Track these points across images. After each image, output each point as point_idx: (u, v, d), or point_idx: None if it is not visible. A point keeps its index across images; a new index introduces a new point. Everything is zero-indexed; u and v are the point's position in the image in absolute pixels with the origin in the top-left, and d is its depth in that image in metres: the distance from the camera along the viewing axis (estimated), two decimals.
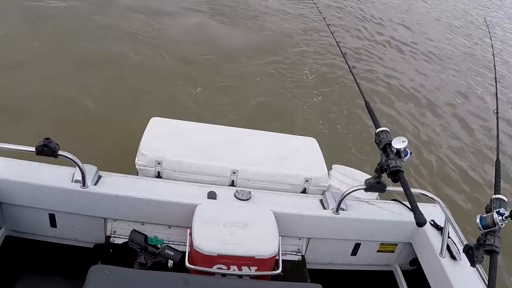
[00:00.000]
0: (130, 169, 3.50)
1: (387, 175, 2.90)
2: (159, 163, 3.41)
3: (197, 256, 2.80)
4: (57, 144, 2.86)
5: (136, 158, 3.47)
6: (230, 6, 12.82)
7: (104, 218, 3.22)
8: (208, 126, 3.91)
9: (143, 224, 3.22)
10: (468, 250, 2.71)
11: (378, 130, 3.06)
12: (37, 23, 9.50)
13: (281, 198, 3.37)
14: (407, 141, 2.91)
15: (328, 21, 4.22)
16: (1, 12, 9.69)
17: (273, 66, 10.29)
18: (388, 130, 3.04)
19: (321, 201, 3.44)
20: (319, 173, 3.60)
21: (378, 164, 2.99)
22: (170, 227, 3.23)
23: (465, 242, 3.10)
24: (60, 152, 2.87)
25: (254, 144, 3.84)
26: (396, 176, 2.83)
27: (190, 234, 2.93)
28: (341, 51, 3.77)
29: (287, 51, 11.30)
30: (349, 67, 3.67)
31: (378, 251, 3.56)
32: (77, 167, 2.99)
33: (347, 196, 3.27)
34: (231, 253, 2.78)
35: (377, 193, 3.70)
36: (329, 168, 3.80)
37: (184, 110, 7.49)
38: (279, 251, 2.91)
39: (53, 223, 3.23)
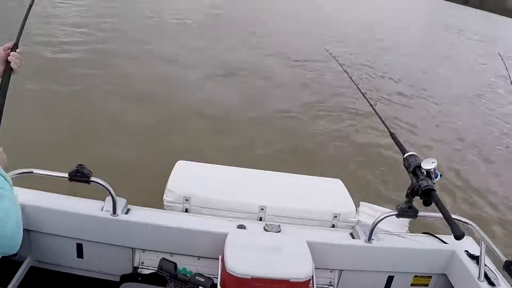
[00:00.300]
0: (158, 206, 3.48)
1: (419, 196, 2.83)
2: (187, 200, 3.41)
3: (230, 280, 2.74)
4: (89, 171, 2.88)
5: (164, 195, 3.48)
6: (244, 68, 14.27)
7: (132, 248, 3.19)
8: (233, 168, 3.94)
9: (171, 255, 3.18)
10: (508, 266, 2.67)
11: (406, 154, 3.04)
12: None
13: (311, 231, 3.31)
14: (436, 162, 2.88)
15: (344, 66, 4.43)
16: None
17: (289, 113, 11.24)
18: (415, 154, 3.03)
19: (351, 234, 3.38)
20: (348, 208, 3.58)
21: (409, 188, 2.95)
22: (199, 259, 3.19)
23: (504, 260, 2.93)
24: (92, 179, 2.89)
25: (280, 184, 3.86)
26: (429, 195, 2.78)
27: (222, 260, 2.87)
28: (360, 90, 3.87)
29: (302, 97, 12.70)
30: (370, 104, 3.72)
31: (412, 284, 3.45)
32: (109, 195, 3.01)
33: (378, 230, 3.24)
34: (265, 276, 2.72)
35: (407, 227, 3.66)
36: (357, 205, 3.77)
37: (209, 156, 7.76)
38: (313, 277, 2.84)
39: (80, 253, 3.20)
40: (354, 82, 4.00)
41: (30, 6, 2.58)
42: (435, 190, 2.79)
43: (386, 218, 3.56)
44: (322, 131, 10.69)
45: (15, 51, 2.21)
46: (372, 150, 10.01)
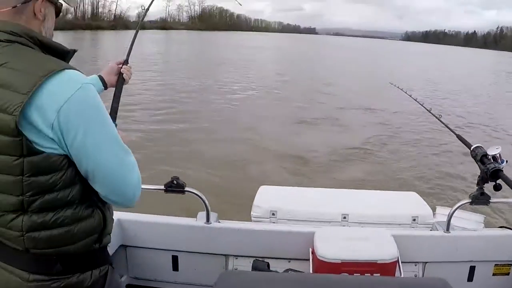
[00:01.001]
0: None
1: (489, 180, 3.02)
2: (273, 214, 3.63)
3: (321, 266, 2.94)
4: (184, 182, 3.12)
5: (252, 211, 3.71)
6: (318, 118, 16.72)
7: (225, 255, 3.37)
8: (313, 189, 4.16)
9: (263, 260, 3.25)
10: None
11: (472, 147, 3.23)
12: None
13: (393, 228, 3.46)
14: (500, 148, 3.08)
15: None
16: None
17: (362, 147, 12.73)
18: (481, 145, 3.21)
19: (430, 229, 3.53)
20: (425, 211, 3.72)
21: (478, 176, 3.13)
22: (289, 261, 3.34)
23: None
24: (187, 189, 3.12)
25: (359, 197, 4.08)
26: (497, 177, 2.95)
27: (313, 252, 3.08)
28: (424, 107, 4.08)
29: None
30: (435, 116, 3.89)
31: (493, 274, 3.48)
32: (203, 204, 3.22)
33: (455, 226, 3.39)
34: (354, 259, 2.91)
35: (483, 224, 3.78)
36: (433, 210, 3.92)
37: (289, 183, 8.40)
38: (399, 261, 3.01)
39: (175, 266, 3.38)
40: (418, 102, 4.18)
41: (137, 31, 2.99)
42: (502, 171, 2.96)
43: (461, 215, 3.72)
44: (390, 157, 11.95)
45: (126, 65, 2.60)
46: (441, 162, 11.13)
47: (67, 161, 1.68)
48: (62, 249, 1.75)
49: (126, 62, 2.63)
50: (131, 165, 1.80)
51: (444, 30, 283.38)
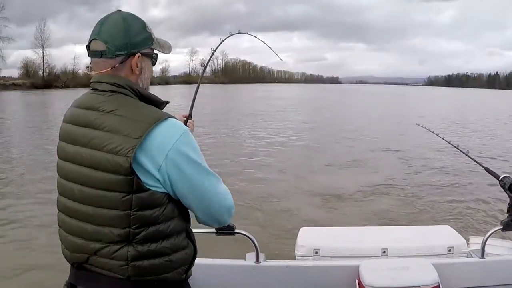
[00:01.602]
0: None
1: None
2: (316, 252, 3.75)
3: None
4: (233, 224, 3.23)
5: (295, 250, 3.85)
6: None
7: None
8: (353, 227, 4.33)
9: None
10: None
11: (500, 177, 3.43)
12: None
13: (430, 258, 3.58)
14: None
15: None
16: None
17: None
18: (509, 175, 3.42)
19: (466, 256, 3.67)
20: (459, 241, 3.84)
21: (508, 203, 3.33)
22: None
23: None
24: (237, 230, 3.28)
25: (396, 232, 4.26)
26: None
27: (359, 282, 3.25)
28: (452, 144, 4.27)
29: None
30: (463, 152, 4.04)
31: None
32: (252, 244, 3.37)
33: (488, 252, 3.52)
34: (399, 285, 3.08)
35: None
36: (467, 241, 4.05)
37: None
38: (440, 285, 3.14)
39: None
40: (445, 140, 4.37)
41: (198, 87, 3.26)
42: None
43: (494, 243, 3.86)
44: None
45: (190, 119, 2.88)
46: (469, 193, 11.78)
47: (168, 198, 1.94)
48: (160, 276, 1.97)
49: (190, 116, 2.91)
50: (225, 193, 2.09)
51: (467, 73, 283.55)
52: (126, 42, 1.99)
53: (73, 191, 1.98)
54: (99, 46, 2.00)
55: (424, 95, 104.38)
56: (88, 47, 2.05)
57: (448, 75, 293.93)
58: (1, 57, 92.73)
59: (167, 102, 2.09)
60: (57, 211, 2.12)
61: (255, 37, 3.65)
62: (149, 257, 1.92)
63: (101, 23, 2.02)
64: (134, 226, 1.88)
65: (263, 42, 3.68)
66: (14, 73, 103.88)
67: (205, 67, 3.41)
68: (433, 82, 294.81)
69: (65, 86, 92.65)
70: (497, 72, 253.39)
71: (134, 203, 1.86)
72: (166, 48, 2.23)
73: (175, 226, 1.98)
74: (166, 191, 1.92)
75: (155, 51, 2.16)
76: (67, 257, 2.10)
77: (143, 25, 2.07)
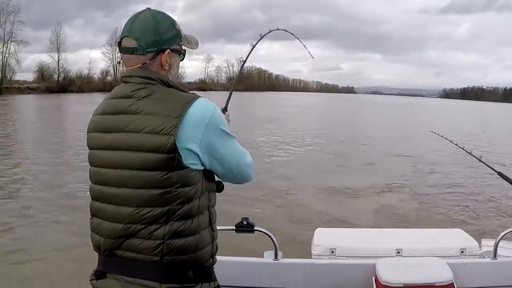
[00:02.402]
0: None
1: None
2: (332, 252, 3.85)
3: None
4: (253, 222, 3.36)
5: (312, 250, 3.96)
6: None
7: None
8: (367, 229, 4.41)
9: None
10: None
11: None
12: None
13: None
14: None
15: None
16: None
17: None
18: None
19: (479, 257, 3.75)
20: (472, 244, 3.94)
21: None
22: None
23: None
24: (256, 228, 3.36)
25: (410, 234, 4.37)
26: None
27: (375, 279, 3.33)
28: (465, 150, 4.36)
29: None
30: (476, 157, 4.17)
31: None
32: (271, 241, 3.45)
33: (500, 254, 3.58)
34: (415, 283, 3.17)
35: None
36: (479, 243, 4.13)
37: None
38: (454, 283, 3.22)
39: None
40: (459, 146, 4.46)
41: (233, 85, 3.53)
42: None
43: (507, 245, 3.90)
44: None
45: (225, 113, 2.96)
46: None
47: (202, 175, 2.05)
48: (192, 256, 2.05)
49: (226, 109, 2.99)
50: (244, 154, 2.25)
51: (482, 86, 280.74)
52: (156, 39, 2.09)
53: (110, 176, 2.06)
54: (130, 43, 2.10)
55: (439, 106, 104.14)
56: (119, 43, 2.15)
57: (464, 88, 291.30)
58: (16, 61, 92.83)
59: (193, 92, 2.19)
60: (91, 201, 2.20)
61: (291, 34, 3.81)
62: (183, 235, 2.00)
63: (132, 20, 2.12)
64: (174, 203, 1.97)
65: (298, 39, 3.78)
66: (29, 77, 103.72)
67: (244, 61, 3.47)
68: (448, 94, 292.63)
69: (80, 90, 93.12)
70: None
71: (174, 180, 1.96)
72: (194, 43, 2.33)
73: (203, 203, 2.08)
74: (201, 168, 2.05)
75: (183, 47, 2.26)
76: (99, 244, 2.14)
77: (172, 22, 2.17)
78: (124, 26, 2.15)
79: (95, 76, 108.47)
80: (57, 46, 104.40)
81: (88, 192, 2.21)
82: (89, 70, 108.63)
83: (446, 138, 4.68)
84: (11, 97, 71.23)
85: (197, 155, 2.01)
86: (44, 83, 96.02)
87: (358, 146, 23.83)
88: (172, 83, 2.14)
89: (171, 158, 1.94)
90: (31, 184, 13.52)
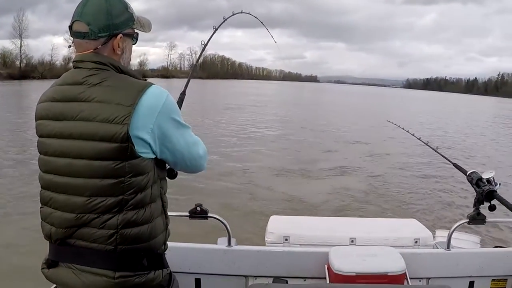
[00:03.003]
0: None
1: (484, 201, 3.31)
2: (286, 239, 3.86)
3: (337, 279, 3.19)
4: (207, 208, 3.34)
5: (265, 237, 3.95)
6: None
7: (245, 276, 3.55)
8: (321, 217, 4.41)
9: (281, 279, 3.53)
10: None
11: (468, 172, 3.53)
12: None
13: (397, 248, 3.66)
14: (494, 172, 3.38)
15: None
16: None
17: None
18: (476, 171, 3.51)
19: (432, 248, 3.80)
20: (425, 234, 3.97)
21: (475, 198, 3.40)
22: (305, 280, 3.53)
23: None
24: (210, 214, 3.35)
25: (364, 223, 4.40)
26: (492, 197, 3.25)
27: (328, 267, 3.34)
28: (420, 140, 4.38)
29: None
30: (431, 147, 4.18)
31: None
32: (225, 228, 3.43)
33: (454, 245, 3.62)
34: (367, 272, 3.17)
35: (479, 244, 4.04)
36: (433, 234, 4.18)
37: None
38: (406, 273, 3.24)
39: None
40: (415, 136, 4.46)
41: (192, 75, 3.45)
42: (496, 192, 3.26)
43: (460, 237, 3.96)
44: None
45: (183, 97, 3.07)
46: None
47: (154, 163, 2.03)
48: (145, 244, 2.04)
49: (184, 93, 3.09)
50: (198, 143, 2.23)
51: (445, 77, 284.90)
52: (108, 23, 2.03)
53: (61, 165, 2.02)
54: (81, 27, 2.03)
55: (401, 96, 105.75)
56: (70, 27, 2.08)
57: (427, 79, 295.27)
58: None
59: (145, 79, 2.13)
60: (40, 189, 2.15)
61: (255, 17, 3.79)
62: (136, 224, 1.99)
63: (84, 3, 2.05)
64: (127, 193, 1.95)
65: (261, 22, 3.83)
66: None
67: (206, 44, 3.45)
68: (411, 84, 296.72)
69: (42, 77, 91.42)
70: (475, 78, 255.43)
71: (127, 170, 1.94)
72: (147, 26, 2.28)
73: (155, 191, 2.07)
74: (153, 157, 2.03)
75: (136, 31, 2.21)
76: (50, 234, 2.10)
77: (124, 6, 2.11)
78: (76, 9, 2.07)
79: (57, 62, 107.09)
80: (20, 32, 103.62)
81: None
82: (52, 56, 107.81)
83: (402, 128, 4.71)
84: None
85: (149, 144, 1.98)
86: (6, 70, 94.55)
87: (316, 134, 24.11)
88: (124, 68, 2.10)
89: (124, 148, 1.91)
90: None
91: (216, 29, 3.46)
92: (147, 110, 1.94)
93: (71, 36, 2.09)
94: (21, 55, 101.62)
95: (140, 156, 1.95)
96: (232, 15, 3.53)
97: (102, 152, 1.92)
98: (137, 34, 2.22)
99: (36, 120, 2.15)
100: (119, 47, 2.09)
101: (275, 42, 4.10)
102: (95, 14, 2.02)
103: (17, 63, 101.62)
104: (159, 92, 2.02)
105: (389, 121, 5.23)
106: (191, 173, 2.35)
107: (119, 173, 1.93)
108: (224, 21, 3.49)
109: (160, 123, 1.98)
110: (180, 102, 2.97)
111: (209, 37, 3.47)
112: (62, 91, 2.05)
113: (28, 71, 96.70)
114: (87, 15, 2.02)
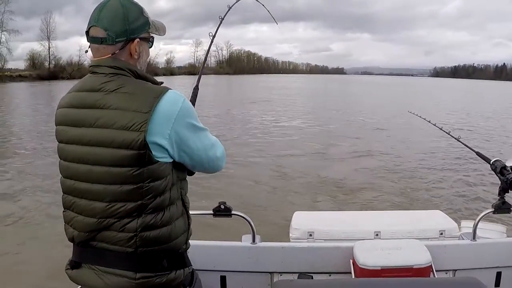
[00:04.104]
0: None
1: (509, 189, 3.32)
2: (310, 235, 3.85)
3: (362, 274, 3.20)
4: (230, 206, 3.36)
5: (290, 233, 3.95)
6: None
7: (271, 272, 3.57)
8: (345, 212, 4.40)
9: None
10: None
11: (492, 161, 3.52)
12: None
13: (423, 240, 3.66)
14: None
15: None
16: None
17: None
18: (500, 159, 3.50)
19: (457, 239, 3.76)
20: (451, 225, 3.94)
21: (499, 187, 3.40)
22: (330, 275, 3.54)
23: None
24: (234, 212, 3.36)
25: (388, 216, 4.38)
26: None
27: (353, 262, 3.35)
28: (442, 130, 4.35)
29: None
30: (453, 137, 4.15)
31: None
32: (248, 225, 3.45)
33: (479, 235, 3.59)
34: (393, 265, 3.17)
35: (505, 234, 4.00)
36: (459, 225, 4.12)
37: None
38: (432, 266, 3.24)
39: (223, 286, 3.57)
40: (437, 126, 4.41)
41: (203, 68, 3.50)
42: None
43: (486, 227, 3.90)
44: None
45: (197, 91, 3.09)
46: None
47: (172, 167, 2.06)
48: (165, 246, 2.07)
49: (197, 87, 3.12)
50: (216, 145, 2.24)
51: (473, 64, 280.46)
52: (125, 28, 2.06)
53: (81, 172, 2.05)
54: (98, 32, 2.06)
55: (429, 85, 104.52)
56: (87, 32, 2.11)
57: (454, 66, 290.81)
58: (7, 50, 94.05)
59: (162, 83, 2.16)
60: (62, 194, 2.20)
61: (257, 1, 3.78)
62: (155, 227, 2.03)
63: (100, 9, 2.08)
64: (146, 198, 1.99)
65: (263, 5, 3.81)
66: (21, 65, 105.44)
67: (213, 36, 3.42)
68: (439, 73, 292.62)
69: (71, 77, 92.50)
70: (504, 63, 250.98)
71: (146, 175, 1.96)
72: (162, 30, 2.30)
73: (174, 194, 2.10)
74: (170, 160, 2.05)
75: (151, 34, 2.24)
76: (73, 237, 2.16)
77: (140, 10, 2.14)
78: (92, 15, 2.10)
79: (85, 63, 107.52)
80: (47, 34, 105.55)
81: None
82: (80, 57, 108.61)
83: (424, 119, 4.67)
84: (3, 85, 71.74)
85: (167, 149, 2.01)
86: (35, 71, 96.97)
87: (340, 127, 24.13)
88: (141, 72, 2.12)
89: (142, 155, 1.94)
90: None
91: (223, 19, 3.48)
92: (164, 116, 1.97)
93: (88, 41, 2.12)
94: (49, 57, 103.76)
95: (158, 161, 1.98)
96: (236, 2, 3.55)
97: (120, 159, 1.95)
98: (153, 38, 2.25)
99: (56, 126, 2.19)
100: (136, 51, 2.11)
101: (277, 24, 4.22)
102: (112, 19, 2.05)
103: (46, 64, 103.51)
104: (175, 98, 2.03)
105: (411, 112, 5.20)
106: (209, 173, 2.36)
107: (137, 179, 1.97)
108: (229, 10, 3.51)
109: (177, 128, 2.00)
110: (194, 97, 3.00)
111: (216, 28, 3.47)
112: (80, 97, 2.09)
113: (57, 72, 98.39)
114: (104, 20, 2.05)
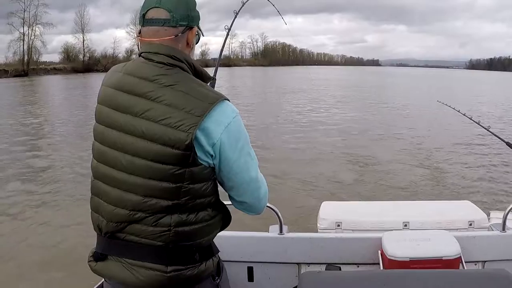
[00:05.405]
0: None
1: None
2: (338, 225, 3.86)
3: (391, 265, 3.18)
4: None
5: (318, 223, 3.97)
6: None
7: (298, 263, 3.57)
8: (374, 202, 4.37)
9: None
10: None
11: None
12: None
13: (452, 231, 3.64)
14: None
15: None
16: None
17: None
18: None
19: (487, 230, 3.73)
20: (480, 216, 3.92)
21: None
22: (358, 266, 3.53)
23: None
24: None
25: (417, 206, 4.33)
26: None
27: (382, 253, 3.34)
28: (472, 119, 4.31)
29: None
30: (484, 127, 4.16)
31: None
32: (276, 216, 3.45)
33: (509, 226, 3.54)
34: (422, 257, 3.15)
35: None
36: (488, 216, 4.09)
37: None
38: (462, 257, 3.21)
39: (250, 277, 3.59)
40: (466, 116, 4.42)
41: (218, 63, 3.44)
42: None
43: None
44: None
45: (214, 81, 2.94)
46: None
47: (214, 173, 2.04)
48: (199, 241, 2.06)
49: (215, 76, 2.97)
50: (261, 182, 2.19)
51: (509, 56, 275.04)
52: (188, 13, 2.07)
53: (120, 160, 2.01)
54: (161, 14, 2.04)
55: (464, 78, 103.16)
56: (143, 15, 2.08)
57: (490, 59, 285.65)
58: (42, 43, 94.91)
59: (214, 78, 2.16)
60: (92, 178, 2.18)
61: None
62: (191, 223, 2.01)
63: None
64: (183, 199, 1.97)
65: (273, 5, 3.81)
66: (55, 58, 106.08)
67: (229, 29, 3.47)
68: (474, 65, 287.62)
69: (106, 69, 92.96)
70: None
71: (187, 176, 1.94)
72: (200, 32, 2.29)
73: (214, 199, 2.09)
74: (213, 166, 2.02)
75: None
76: (101, 226, 2.12)
77: (195, 3, 2.14)
78: None
79: (120, 55, 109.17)
80: (82, 27, 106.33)
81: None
82: (114, 49, 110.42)
83: (453, 108, 4.64)
84: (38, 78, 73.06)
85: (211, 156, 1.98)
86: (70, 64, 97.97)
87: (373, 118, 24.22)
88: (198, 67, 2.11)
89: (187, 156, 1.92)
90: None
91: (237, 13, 3.49)
92: (214, 124, 1.93)
93: (143, 25, 2.08)
94: (84, 49, 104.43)
95: (202, 165, 1.96)
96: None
97: (163, 155, 1.92)
98: (202, 34, 2.24)
99: (98, 103, 2.13)
100: (191, 41, 2.11)
101: (286, 24, 4.16)
102: (176, 3, 2.04)
103: (80, 57, 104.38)
104: (229, 110, 2.01)
105: (439, 101, 5.15)
106: (243, 210, 2.25)
107: (178, 178, 1.93)
108: (243, 5, 3.54)
109: (224, 139, 1.96)
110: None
111: (231, 21, 3.52)
112: (131, 82, 2.02)
113: (92, 64, 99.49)
114: (168, 2, 2.03)
